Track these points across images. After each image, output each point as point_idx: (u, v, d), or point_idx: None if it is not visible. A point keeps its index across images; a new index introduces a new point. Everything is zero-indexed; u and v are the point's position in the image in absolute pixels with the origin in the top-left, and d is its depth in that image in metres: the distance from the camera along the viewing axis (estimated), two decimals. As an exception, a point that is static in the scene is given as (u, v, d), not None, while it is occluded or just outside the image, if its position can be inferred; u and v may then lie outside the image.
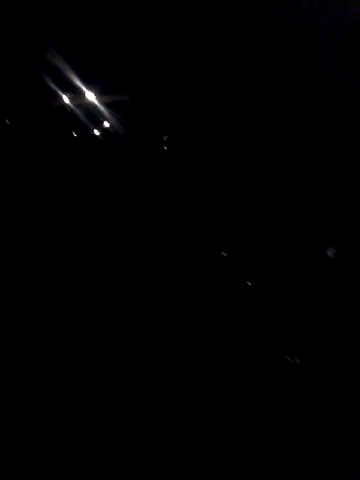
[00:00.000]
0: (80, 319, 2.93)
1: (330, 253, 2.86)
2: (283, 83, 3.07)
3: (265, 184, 3.14)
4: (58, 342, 2.74)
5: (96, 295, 3.05)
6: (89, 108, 3.58)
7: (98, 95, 3.54)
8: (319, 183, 3.05)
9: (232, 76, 3.31)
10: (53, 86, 3.50)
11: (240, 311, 2.91)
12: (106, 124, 3.60)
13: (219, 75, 3.32)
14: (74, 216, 3.52)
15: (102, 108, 3.56)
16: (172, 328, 2.88)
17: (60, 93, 3.55)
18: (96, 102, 3.55)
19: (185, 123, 3.47)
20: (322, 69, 2.92)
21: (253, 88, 3.18)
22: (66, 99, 3.57)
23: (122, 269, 3.25)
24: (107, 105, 3.56)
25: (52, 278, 3.08)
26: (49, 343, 2.74)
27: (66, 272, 3.17)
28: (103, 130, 3.60)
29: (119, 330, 2.89)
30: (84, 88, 3.52)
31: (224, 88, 3.35)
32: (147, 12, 3.13)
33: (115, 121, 3.57)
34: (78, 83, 3.49)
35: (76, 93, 3.54)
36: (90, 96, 3.55)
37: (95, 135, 3.62)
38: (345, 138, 2.95)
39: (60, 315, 2.92)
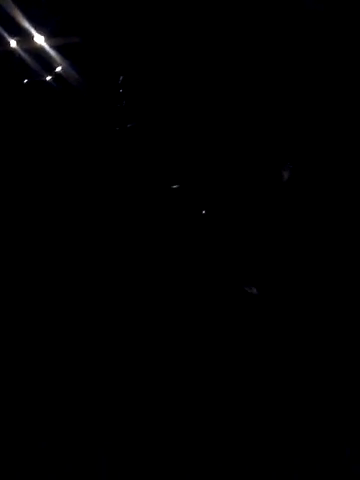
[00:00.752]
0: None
1: (285, 175, 2.74)
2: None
3: (214, 117, 3.02)
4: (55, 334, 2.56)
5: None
6: (39, 52, 3.40)
7: (48, 38, 3.37)
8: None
9: (181, 14, 3.22)
10: (-2, 29, 3.31)
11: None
12: (58, 69, 3.42)
13: (173, 10, 3.22)
14: (27, 165, 3.31)
15: (52, 52, 3.38)
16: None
17: (6, 37, 3.36)
18: (46, 45, 3.38)
19: (140, 63, 3.34)
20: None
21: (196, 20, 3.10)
22: (13, 43, 3.38)
23: (76, 212, 3.07)
24: (58, 48, 3.39)
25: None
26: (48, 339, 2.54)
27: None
28: (55, 75, 3.42)
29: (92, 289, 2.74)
30: (32, 31, 3.34)
31: (178, 25, 3.25)
32: None
33: (67, 65, 3.39)
34: (25, 25, 3.31)
35: (24, 36, 3.36)
36: (39, 39, 3.37)
37: (47, 81, 3.43)
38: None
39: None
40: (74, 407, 2.22)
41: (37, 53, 3.39)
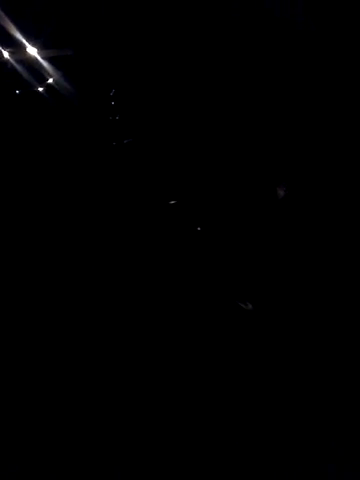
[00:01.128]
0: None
1: (281, 192, 2.79)
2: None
3: (203, 121, 3.06)
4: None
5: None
6: (31, 63, 3.42)
7: (40, 49, 3.39)
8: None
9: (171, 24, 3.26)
10: (-9, 40, 3.33)
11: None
12: (50, 80, 3.44)
13: (164, 23, 3.26)
14: (19, 177, 3.32)
15: (45, 63, 3.41)
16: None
17: (-1, 48, 3.37)
18: (38, 57, 3.40)
19: (132, 75, 3.37)
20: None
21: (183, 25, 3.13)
22: (6, 54, 3.39)
23: (70, 223, 3.09)
24: (50, 60, 3.41)
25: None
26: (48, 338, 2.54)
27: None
28: (47, 86, 3.44)
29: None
30: (25, 42, 3.36)
31: (170, 37, 3.29)
32: None
33: (59, 76, 3.42)
34: (18, 36, 3.33)
35: (16, 47, 3.38)
36: (32, 51, 3.39)
37: (39, 92, 3.45)
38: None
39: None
40: (74, 408, 2.23)
41: (29, 64, 3.41)
